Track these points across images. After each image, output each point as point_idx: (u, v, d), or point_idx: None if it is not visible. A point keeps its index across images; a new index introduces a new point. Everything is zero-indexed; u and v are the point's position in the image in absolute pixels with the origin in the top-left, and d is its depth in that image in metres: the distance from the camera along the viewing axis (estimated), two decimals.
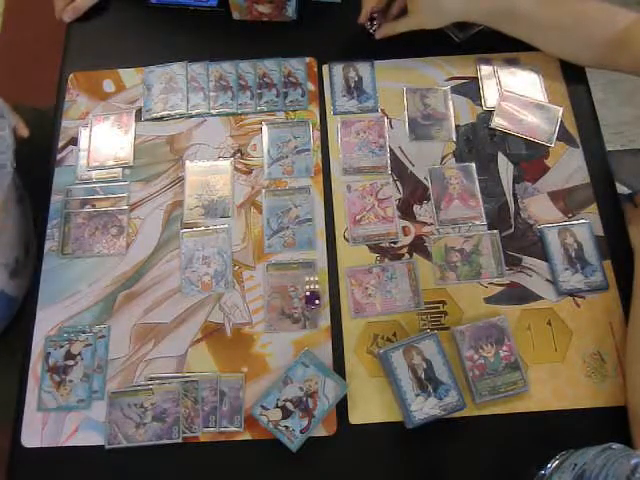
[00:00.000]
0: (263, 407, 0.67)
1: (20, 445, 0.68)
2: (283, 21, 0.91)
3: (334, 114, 0.85)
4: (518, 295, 0.74)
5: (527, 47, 0.84)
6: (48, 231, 0.79)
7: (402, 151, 0.83)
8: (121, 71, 0.88)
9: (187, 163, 0.82)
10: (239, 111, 0.85)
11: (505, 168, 0.81)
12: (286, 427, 0.66)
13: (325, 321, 0.73)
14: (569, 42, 0.80)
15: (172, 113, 0.85)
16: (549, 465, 0.55)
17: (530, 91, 0.86)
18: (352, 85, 0.87)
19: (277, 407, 0.67)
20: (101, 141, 0.83)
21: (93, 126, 0.84)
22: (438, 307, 0.74)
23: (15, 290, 0.80)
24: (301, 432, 0.66)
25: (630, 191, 0.96)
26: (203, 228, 0.78)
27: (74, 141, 0.84)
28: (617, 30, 0.75)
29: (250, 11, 0.90)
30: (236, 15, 0.91)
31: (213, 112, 0.85)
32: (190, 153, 0.83)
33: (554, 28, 0.79)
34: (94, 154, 0.83)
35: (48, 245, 0.78)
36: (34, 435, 0.69)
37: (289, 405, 0.67)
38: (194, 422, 0.68)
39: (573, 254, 0.76)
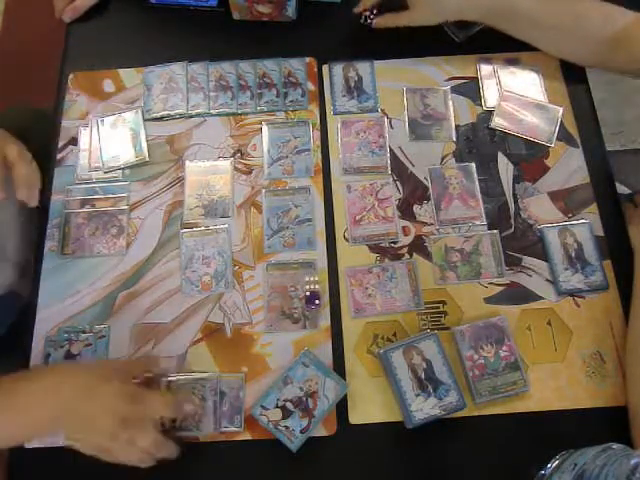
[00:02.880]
0: (263, 407, 0.67)
1: (20, 445, 0.68)
2: (283, 21, 0.91)
3: (334, 114, 0.85)
4: (518, 295, 0.74)
5: (527, 47, 0.84)
6: (48, 231, 0.79)
7: (402, 151, 0.83)
8: (121, 71, 0.88)
9: (187, 163, 0.82)
10: (239, 111, 0.85)
11: (505, 168, 0.81)
12: (286, 427, 0.66)
13: (325, 321, 0.73)
14: (568, 41, 0.80)
15: (172, 113, 0.85)
16: (549, 465, 0.55)
17: (530, 91, 0.85)
18: (352, 85, 0.87)
19: (277, 407, 0.67)
20: (103, 141, 0.83)
21: (93, 126, 0.84)
22: (438, 307, 0.74)
23: (24, 290, 0.80)
24: (301, 432, 0.66)
25: (630, 191, 0.96)
26: (203, 228, 0.78)
27: (74, 141, 0.84)
28: (615, 29, 0.75)
29: (250, 11, 0.90)
30: (236, 15, 0.91)
31: (213, 112, 0.85)
32: (190, 153, 0.83)
33: (553, 27, 0.79)
34: (95, 154, 0.83)
35: (48, 245, 0.78)
36: None
37: (289, 405, 0.67)
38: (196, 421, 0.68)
39: (573, 254, 0.76)
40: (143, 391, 0.63)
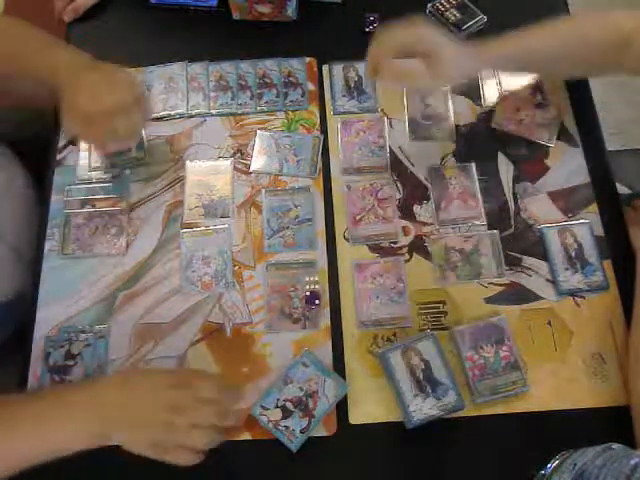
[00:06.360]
0: (263, 407, 0.67)
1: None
2: (283, 21, 0.91)
3: (334, 114, 0.85)
4: (518, 295, 0.74)
5: None
6: (48, 231, 0.79)
7: (402, 151, 0.83)
8: None
9: (187, 163, 0.82)
10: (239, 111, 0.85)
11: (505, 168, 0.81)
12: (286, 427, 0.66)
13: (325, 321, 0.73)
14: (578, 64, 0.76)
15: (172, 113, 0.85)
16: (549, 465, 0.55)
17: (530, 91, 0.85)
18: (352, 85, 0.87)
19: (277, 407, 0.67)
20: None
21: None
22: (438, 307, 0.74)
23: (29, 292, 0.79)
24: (301, 432, 0.66)
25: (630, 191, 0.96)
26: (203, 228, 0.78)
27: (74, 141, 0.84)
28: (620, 34, 0.72)
29: (250, 11, 0.90)
30: (236, 15, 0.91)
31: (213, 112, 0.85)
32: (190, 153, 0.83)
33: (563, 56, 0.74)
34: (95, 154, 0.83)
35: (48, 245, 0.78)
36: None
37: (289, 405, 0.67)
38: None
39: (573, 254, 0.76)
40: (188, 373, 0.63)
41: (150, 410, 0.57)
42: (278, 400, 0.68)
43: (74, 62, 0.71)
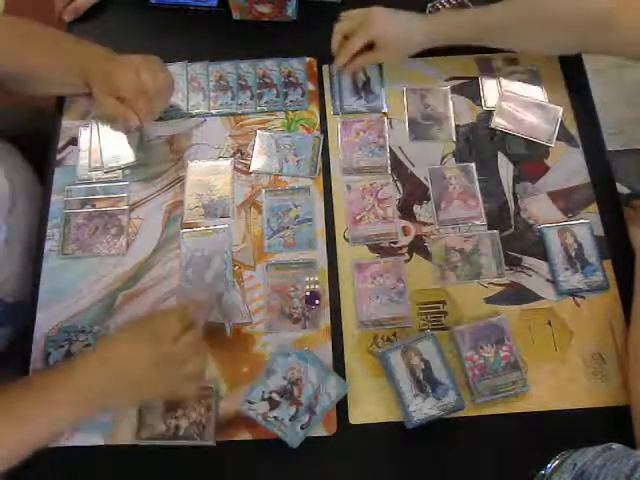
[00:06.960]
0: (250, 402, 0.67)
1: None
2: (283, 21, 0.91)
3: (340, 113, 0.85)
4: (518, 295, 0.74)
5: None
6: (48, 231, 0.79)
7: (402, 151, 0.83)
8: None
9: (187, 163, 0.82)
10: (239, 111, 0.85)
11: (505, 168, 0.81)
12: (275, 417, 0.66)
13: (325, 321, 0.73)
14: (537, 34, 0.77)
15: (172, 113, 0.85)
16: (549, 465, 0.55)
17: (530, 91, 0.86)
18: (360, 85, 0.86)
19: (263, 400, 0.67)
20: (103, 141, 0.83)
21: (93, 126, 0.84)
22: (438, 307, 0.74)
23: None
24: (290, 420, 0.66)
25: (629, 191, 0.96)
26: (203, 228, 0.78)
27: (74, 141, 0.84)
28: (595, 10, 0.71)
29: (250, 11, 0.90)
30: (236, 15, 0.91)
31: (213, 112, 0.85)
32: (190, 153, 0.83)
33: (526, 25, 0.77)
34: (95, 154, 0.83)
35: (48, 245, 0.78)
36: None
37: (275, 396, 0.67)
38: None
39: (573, 254, 0.76)
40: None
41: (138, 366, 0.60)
42: (264, 393, 0.68)
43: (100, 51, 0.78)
